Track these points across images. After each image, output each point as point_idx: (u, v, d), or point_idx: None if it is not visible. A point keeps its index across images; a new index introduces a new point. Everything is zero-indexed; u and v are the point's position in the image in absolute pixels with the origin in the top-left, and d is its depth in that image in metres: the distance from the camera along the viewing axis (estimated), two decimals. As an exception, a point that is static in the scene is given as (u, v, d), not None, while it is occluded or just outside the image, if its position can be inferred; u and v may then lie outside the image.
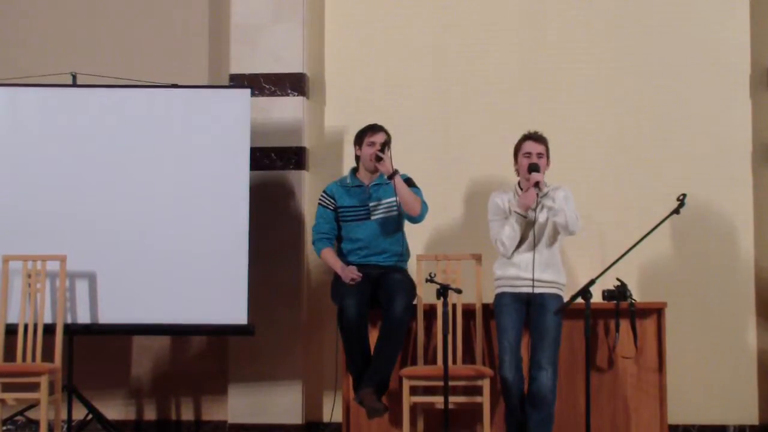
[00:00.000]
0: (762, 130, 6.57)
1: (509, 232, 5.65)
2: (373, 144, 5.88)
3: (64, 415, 6.07)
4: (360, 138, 5.98)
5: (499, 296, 5.74)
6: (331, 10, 6.93)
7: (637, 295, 6.01)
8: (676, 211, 5.27)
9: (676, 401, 6.19)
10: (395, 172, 5.76)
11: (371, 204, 5.94)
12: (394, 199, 5.88)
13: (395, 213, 5.93)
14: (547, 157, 5.76)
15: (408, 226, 6.02)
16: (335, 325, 5.87)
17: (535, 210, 5.60)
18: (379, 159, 5.78)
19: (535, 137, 5.75)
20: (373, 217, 5.93)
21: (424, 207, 5.91)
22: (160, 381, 6.77)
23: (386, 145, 5.85)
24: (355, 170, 6.06)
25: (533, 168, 5.60)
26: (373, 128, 5.95)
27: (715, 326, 6.51)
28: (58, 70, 6.42)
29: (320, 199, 6.05)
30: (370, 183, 5.97)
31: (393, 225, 5.95)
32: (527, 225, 5.65)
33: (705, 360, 6.48)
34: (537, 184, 5.55)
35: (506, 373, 5.53)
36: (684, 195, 5.25)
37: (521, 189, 5.74)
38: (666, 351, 5.91)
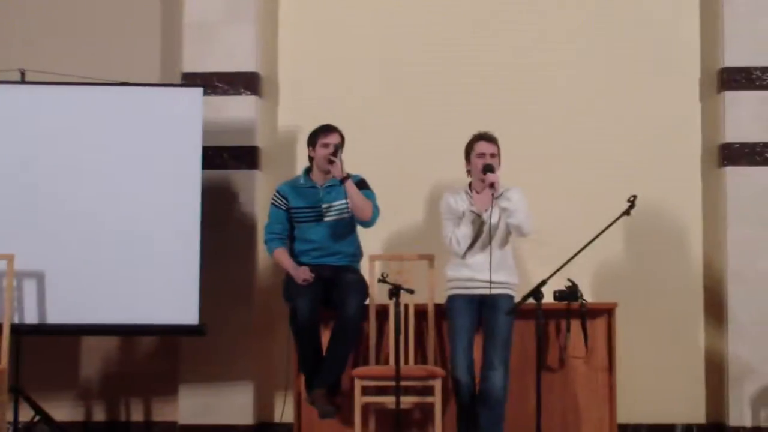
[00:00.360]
0: (711, 132, 6.65)
1: (462, 231, 5.65)
2: (326, 145, 5.84)
3: (10, 417, 5.98)
4: (313, 139, 5.94)
5: (452, 298, 5.75)
6: (285, 9, 6.91)
7: (588, 296, 6.05)
8: (627, 212, 5.30)
9: (626, 400, 6.23)
10: (347, 176, 5.73)
11: (324, 206, 5.91)
12: (347, 201, 5.85)
13: (348, 215, 5.91)
14: (499, 157, 5.78)
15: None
16: (287, 325, 5.83)
17: (489, 211, 5.61)
18: (330, 162, 5.75)
19: (487, 137, 5.77)
20: (326, 219, 5.90)
21: (376, 212, 5.88)
22: (110, 382, 6.70)
23: (339, 148, 5.82)
24: (308, 170, 6.03)
25: (488, 169, 5.61)
26: (327, 129, 5.92)
27: (665, 326, 6.58)
28: (6, 66, 6.32)
29: (273, 199, 6.01)
30: (324, 184, 5.94)
31: (346, 227, 5.93)
32: (480, 225, 5.67)
33: (654, 360, 6.54)
34: (492, 185, 5.56)
35: (458, 375, 5.54)
36: (634, 196, 5.28)
37: (473, 190, 5.75)
38: (616, 351, 5.96)
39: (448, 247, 5.75)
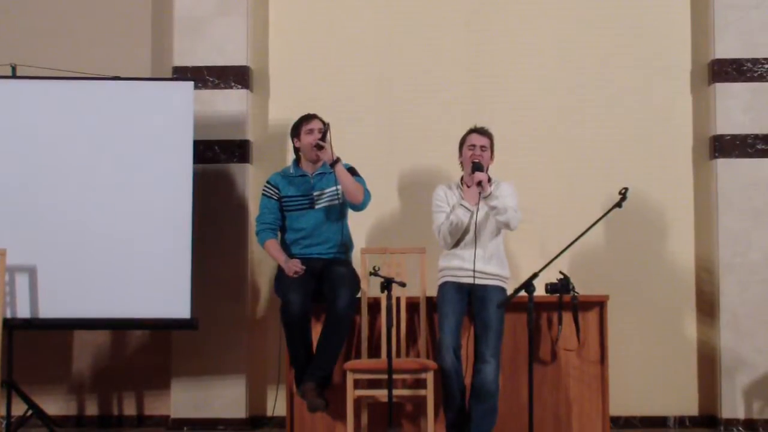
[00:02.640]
0: (702, 125, 6.66)
1: (450, 224, 5.65)
2: (311, 131, 5.86)
3: (2, 411, 5.98)
4: (297, 129, 5.97)
5: (443, 285, 5.76)
6: (275, 2, 6.90)
7: (580, 288, 6.05)
8: (619, 204, 5.30)
9: (618, 393, 6.25)
10: (337, 159, 5.74)
11: (315, 193, 5.92)
12: (337, 187, 5.86)
13: (338, 202, 5.91)
14: (492, 151, 5.79)
15: (353, 219, 6.01)
16: (279, 318, 5.84)
17: (477, 205, 5.61)
18: (320, 147, 5.75)
19: (480, 131, 5.79)
20: (317, 206, 5.90)
21: (367, 195, 5.90)
22: (102, 376, 6.70)
23: (326, 132, 5.81)
24: (297, 161, 6.02)
25: (477, 167, 5.61)
26: (308, 117, 5.95)
27: (657, 319, 6.59)
28: (-3, 61, 6.34)
29: (264, 189, 6.01)
30: (314, 172, 5.95)
31: (336, 214, 5.93)
32: (470, 218, 5.67)
33: (646, 352, 6.56)
34: (480, 183, 5.56)
35: (445, 359, 5.54)
36: (626, 189, 5.28)
37: (464, 183, 5.76)
38: (608, 343, 5.97)
39: (436, 238, 5.76)
